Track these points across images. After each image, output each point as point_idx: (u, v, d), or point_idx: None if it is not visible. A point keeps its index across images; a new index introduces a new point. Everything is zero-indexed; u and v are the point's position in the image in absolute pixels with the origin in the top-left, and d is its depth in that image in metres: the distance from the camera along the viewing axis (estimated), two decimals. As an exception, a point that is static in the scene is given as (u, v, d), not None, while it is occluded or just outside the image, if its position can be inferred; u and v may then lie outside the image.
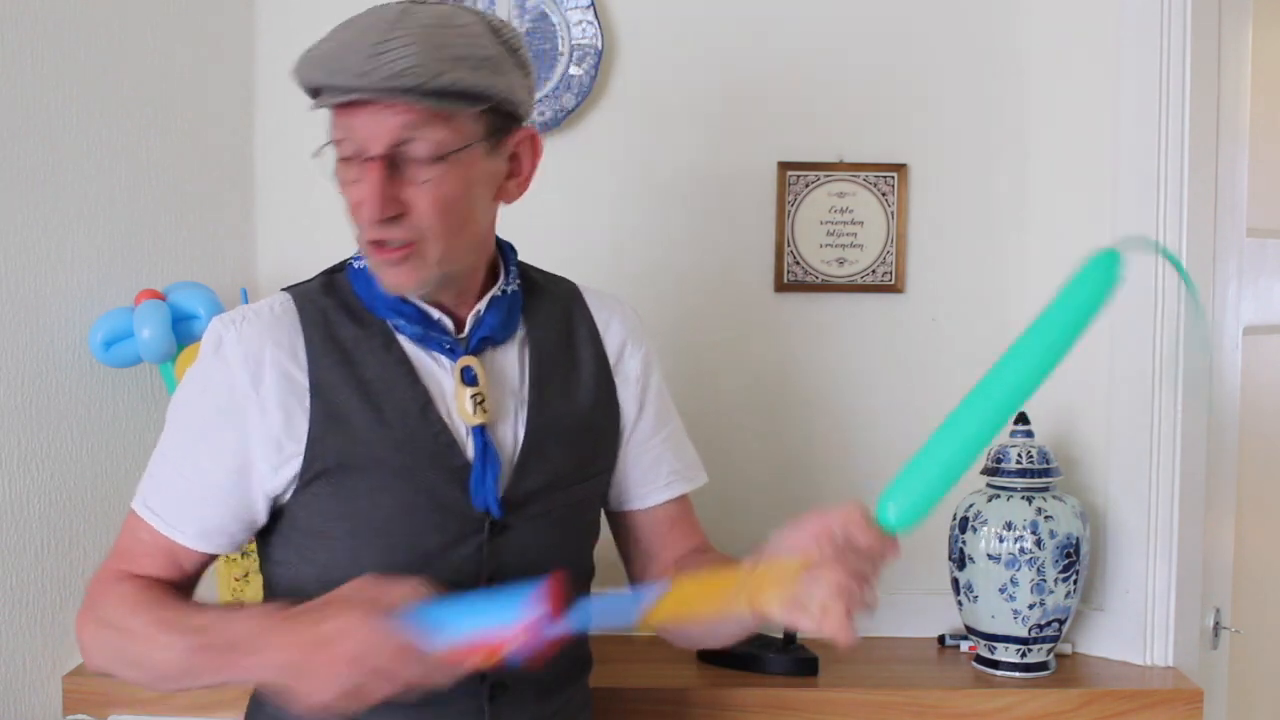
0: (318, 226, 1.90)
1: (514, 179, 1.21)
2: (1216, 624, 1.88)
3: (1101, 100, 1.80)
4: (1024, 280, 1.91)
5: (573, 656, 1.27)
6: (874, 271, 1.92)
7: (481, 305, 1.22)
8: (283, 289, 1.24)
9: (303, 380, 1.16)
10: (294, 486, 1.17)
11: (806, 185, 1.91)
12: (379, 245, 1.13)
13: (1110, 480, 1.80)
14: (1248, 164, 1.89)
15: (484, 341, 1.21)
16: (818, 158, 1.91)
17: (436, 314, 1.20)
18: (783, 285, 1.92)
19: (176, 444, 1.20)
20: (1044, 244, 1.88)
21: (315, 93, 1.12)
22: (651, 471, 1.32)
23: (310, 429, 1.15)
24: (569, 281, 1.35)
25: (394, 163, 1.09)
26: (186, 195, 1.82)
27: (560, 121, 1.87)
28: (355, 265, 1.23)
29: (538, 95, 1.79)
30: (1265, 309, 2.02)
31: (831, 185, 1.91)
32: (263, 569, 1.26)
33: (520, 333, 1.25)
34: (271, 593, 1.24)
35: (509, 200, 1.22)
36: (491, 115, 1.14)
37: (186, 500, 1.18)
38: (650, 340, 1.36)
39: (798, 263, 1.91)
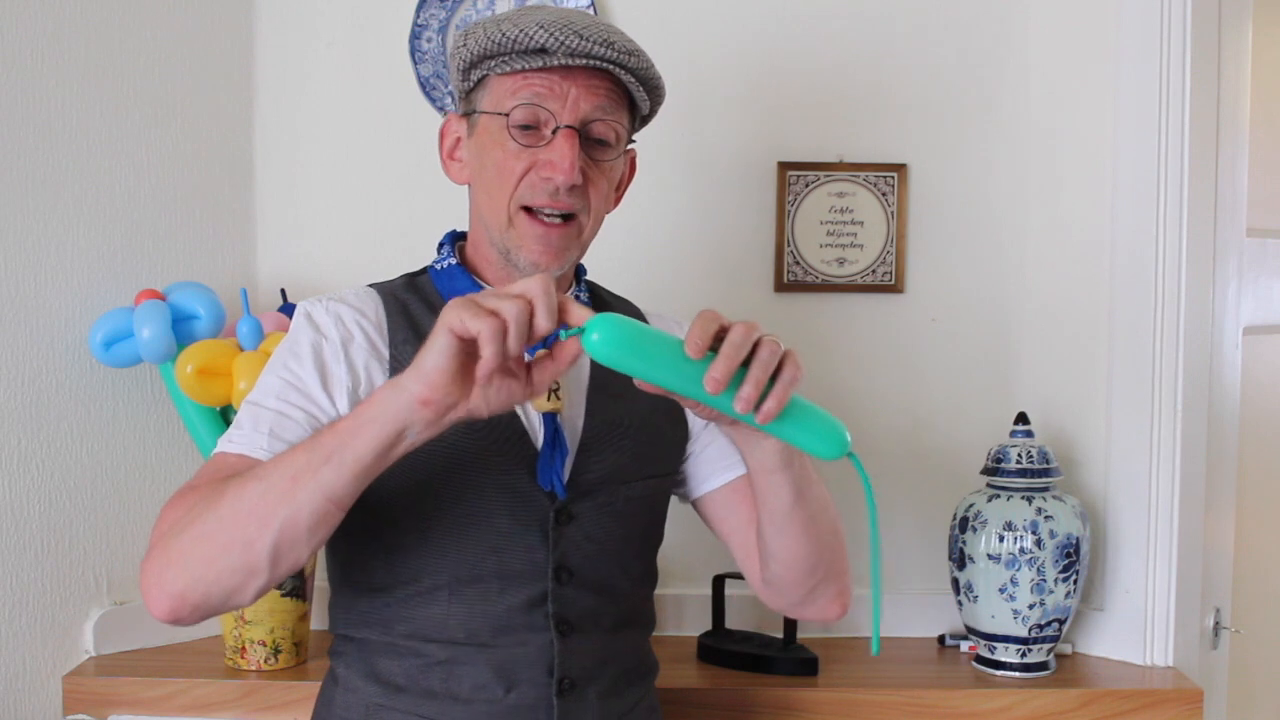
0: (318, 226, 1.91)
1: (616, 190, 1.29)
2: (1216, 624, 1.88)
3: (1101, 100, 1.80)
4: (1024, 280, 1.91)
5: (637, 658, 1.29)
6: (874, 271, 1.92)
7: None
8: (366, 285, 1.27)
9: (385, 354, 1.19)
10: None
11: (806, 185, 1.91)
12: (534, 214, 1.18)
13: (1110, 480, 1.80)
14: (1248, 164, 1.89)
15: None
16: (818, 158, 1.91)
17: None
18: (783, 285, 1.92)
19: (268, 390, 1.18)
20: (1044, 244, 1.88)
21: (535, 53, 1.14)
22: (718, 456, 1.32)
23: None
24: (634, 304, 1.39)
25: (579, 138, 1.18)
26: (186, 195, 1.82)
27: (560, 121, 1.87)
28: (437, 267, 1.27)
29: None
30: (1265, 309, 2.02)
31: (831, 185, 1.91)
32: (329, 546, 1.22)
33: None
34: (339, 569, 1.23)
35: (608, 209, 1.29)
36: (632, 125, 1.25)
37: (279, 430, 1.14)
38: None
39: (798, 263, 1.91)
